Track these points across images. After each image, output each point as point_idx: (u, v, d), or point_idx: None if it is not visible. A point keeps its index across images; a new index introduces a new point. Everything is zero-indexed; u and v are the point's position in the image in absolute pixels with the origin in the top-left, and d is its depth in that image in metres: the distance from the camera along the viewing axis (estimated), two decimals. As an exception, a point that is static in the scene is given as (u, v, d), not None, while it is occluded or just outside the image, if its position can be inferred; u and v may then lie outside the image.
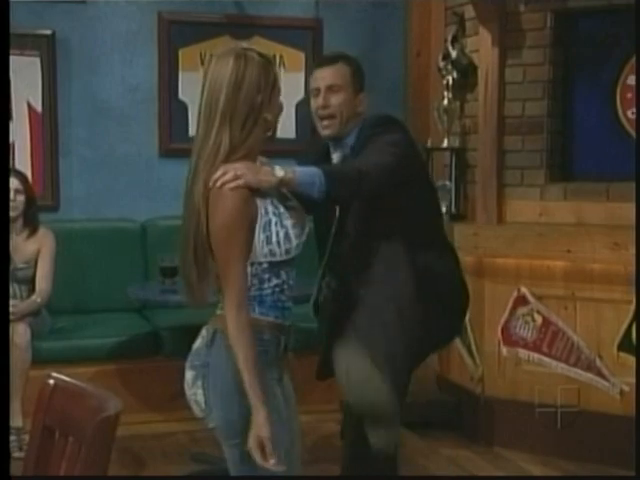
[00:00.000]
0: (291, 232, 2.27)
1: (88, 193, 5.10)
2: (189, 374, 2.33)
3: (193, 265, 2.26)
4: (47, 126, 4.98)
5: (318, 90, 2.86)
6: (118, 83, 5.12)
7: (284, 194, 2.35)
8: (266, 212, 2.26)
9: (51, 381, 1.86)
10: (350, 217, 2.86)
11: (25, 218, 4.44)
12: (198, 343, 2.35)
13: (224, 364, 2.24)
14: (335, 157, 2.93)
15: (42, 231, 4.48)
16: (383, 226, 2.85)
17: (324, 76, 2.87)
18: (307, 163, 2.72)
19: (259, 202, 2.25)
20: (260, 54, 2.26)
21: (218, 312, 2.29)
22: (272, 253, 2.24)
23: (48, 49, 4.93)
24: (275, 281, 2.28)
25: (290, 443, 2.33)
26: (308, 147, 3.07)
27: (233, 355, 2.19)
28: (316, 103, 2.87)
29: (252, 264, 2.24)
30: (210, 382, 2.28)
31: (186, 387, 2.34)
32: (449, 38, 4.74)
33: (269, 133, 2.30)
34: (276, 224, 2.25)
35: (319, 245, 2.99)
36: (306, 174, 2.42)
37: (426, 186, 3.01)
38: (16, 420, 4.07)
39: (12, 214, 4.34)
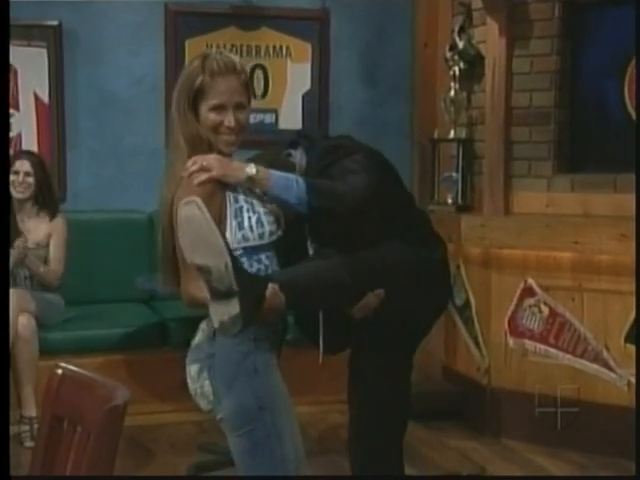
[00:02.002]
0: (264, 218, 2.28)
1: (95, 184, 5.11)
2: (193, 368, 2.34)
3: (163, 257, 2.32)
4: (54, 117, 4.98)
5: None
6: (125, 74, 5.12)
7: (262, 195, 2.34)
8: (236, 200, 2.27)
9: (59, 371, 1.87)
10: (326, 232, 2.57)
11: (36, 201, 4.42)
12: (198, 337, 2.36)
13: (229, 351, 2.26)
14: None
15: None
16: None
17: None
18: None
19: (229, 192, 2.26)
20: (205, 55, 2.38)
21: None
22: (245, 238, 2.25)
23: (55, 40, 4.93)
24: (257, 266, 2.28)
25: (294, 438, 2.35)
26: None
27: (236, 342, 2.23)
28: None
29: None
30: (217, 371, 2.29)
31: (190, 382, 2.35)
32: (456, 29, 4.72)
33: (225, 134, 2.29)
34: (247, 210, 2.27)
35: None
36: (282, 177, 2.34)
37: (398, 188, 2.78)
38: (29, 410, 4.09)
39: (20, 196, 4.36)
